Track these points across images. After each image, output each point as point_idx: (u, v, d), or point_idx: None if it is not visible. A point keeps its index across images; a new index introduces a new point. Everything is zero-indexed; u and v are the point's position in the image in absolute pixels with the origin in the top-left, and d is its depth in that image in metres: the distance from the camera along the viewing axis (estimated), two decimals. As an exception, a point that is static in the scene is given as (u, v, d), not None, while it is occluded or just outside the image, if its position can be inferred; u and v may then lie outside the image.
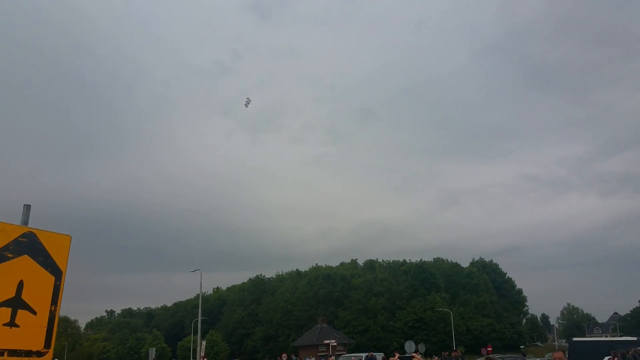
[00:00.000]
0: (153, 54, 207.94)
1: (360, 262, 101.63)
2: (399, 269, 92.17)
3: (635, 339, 28.51)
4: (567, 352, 27.49)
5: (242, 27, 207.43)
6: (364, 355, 34.71)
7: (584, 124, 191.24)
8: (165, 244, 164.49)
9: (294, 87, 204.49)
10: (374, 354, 34.86)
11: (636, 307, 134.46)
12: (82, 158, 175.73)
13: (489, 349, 59.66)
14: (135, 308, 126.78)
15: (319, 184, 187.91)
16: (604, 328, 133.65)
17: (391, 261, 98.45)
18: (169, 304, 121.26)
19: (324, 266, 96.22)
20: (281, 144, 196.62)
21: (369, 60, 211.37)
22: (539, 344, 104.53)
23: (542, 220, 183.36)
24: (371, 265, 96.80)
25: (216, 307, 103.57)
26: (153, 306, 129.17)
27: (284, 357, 45.36)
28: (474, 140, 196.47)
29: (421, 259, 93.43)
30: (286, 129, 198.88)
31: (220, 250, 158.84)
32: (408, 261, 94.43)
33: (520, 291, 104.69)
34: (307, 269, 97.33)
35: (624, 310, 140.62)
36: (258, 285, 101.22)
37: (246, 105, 46.78)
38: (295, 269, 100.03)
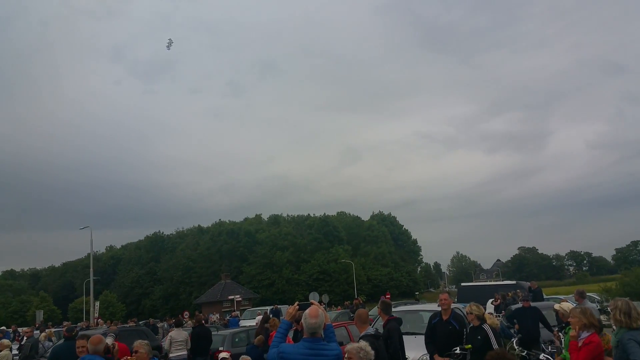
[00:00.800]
0: None
1: (265, 217, 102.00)
2: (303, 223, 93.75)
3: (514, 282, 31.64)
4: (456, 296, 29.88)
5: None
6: (268, 308, 35.16)
7: (471, 85, 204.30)
8: (52, 198, 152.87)
9: (191, 34, 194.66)
10: (279, 306, 35.39)
11: (515, 255, 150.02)
12: None
13: (387, 296, 63.36)
14: (18, 269, 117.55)
15: (220, 137, 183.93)
16: (489, 274, 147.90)
17: (296, 216, 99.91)
18: (57, 264, 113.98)
19: (228, 222, 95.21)
20: (178, 94, 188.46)
21: (269, 12, 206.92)
22: (432, 290, 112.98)
23: (435, 175, 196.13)
24: (276, 220, 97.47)
25: (110, 266, 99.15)
26: (39, 267, 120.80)
27: (186, 314, 44.64)
28: (374, 97, 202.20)
29: (325, 213, 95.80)
30: (183, 78, 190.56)
31: (113, 206, 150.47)
32: (312, 215, 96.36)
33: (415, 242, 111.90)
34: (210, 225, 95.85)
35: (505, 257, 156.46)
36: (156, 243, 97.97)
37: (168, 47, 43.65)
38: (197, 225, 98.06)
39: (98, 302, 55.91)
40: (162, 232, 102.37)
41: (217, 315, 50.02)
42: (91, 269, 45.16)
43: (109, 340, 8.30)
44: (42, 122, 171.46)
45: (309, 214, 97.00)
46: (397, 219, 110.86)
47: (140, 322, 40.83)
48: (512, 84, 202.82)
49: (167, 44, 43.01)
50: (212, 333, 15.22)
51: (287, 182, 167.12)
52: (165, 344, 13.79)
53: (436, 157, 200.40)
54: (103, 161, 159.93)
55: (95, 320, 40.69)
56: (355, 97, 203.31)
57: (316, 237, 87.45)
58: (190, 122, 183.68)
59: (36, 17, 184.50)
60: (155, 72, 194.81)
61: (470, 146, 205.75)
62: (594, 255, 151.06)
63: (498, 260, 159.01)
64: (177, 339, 13.23)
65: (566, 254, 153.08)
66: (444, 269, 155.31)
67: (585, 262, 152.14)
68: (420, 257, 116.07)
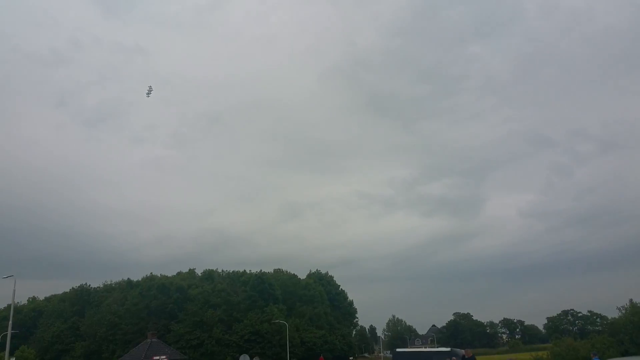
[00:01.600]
0: None
1: (199, 271, 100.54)
2: (238, 279, 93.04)
3: (448, 349, 33.01)
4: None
5: (85, 17, 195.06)
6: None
7: (411, 150, 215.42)
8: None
9: (139, 86, 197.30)
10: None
11: (450, 320, 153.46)
12: None
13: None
14: None
15: (160, 188, 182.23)
16: (424, 339, 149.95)
17: (231, 271, 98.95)
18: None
19: (159, 275, 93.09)
20: (120, 143, 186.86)
21: (219, 69, 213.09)
22: (366, 355, 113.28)
23: (373, 235, 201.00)
24: (210, 275, 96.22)
25: (31, 319, 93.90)
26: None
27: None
28: (317, 156, 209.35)
29: (261, 270, 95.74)
30: (127, 127, 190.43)
31: (40, 255, 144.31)
32: (248, 271, 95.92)
33: (351, 303, 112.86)
34: (140, 279, 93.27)
35: (440, 322, 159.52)
36: (82, 296, 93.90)
37: (148, 94, 44.72)
38: (126, 278, 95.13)
39: (14, 359, 53.19)
40: (89, 285, 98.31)
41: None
42: (10, 322, 43.23)
43: None
44: None
45: (244, 270, 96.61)
46: (334, 279, 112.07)
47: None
48: (450, 151, 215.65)
49: (147, 92, 44.16)
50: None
51: (225, 237, 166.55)
52: None
53: (375, 217, 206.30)
54: (34, 207, 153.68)
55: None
56: (299, 155, 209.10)
57: (251, 294, 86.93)
58: (131, 171, 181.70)
59: None
60: (99, 120, 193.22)
61: (409, 208, 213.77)
62: (526, 323, 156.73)
63: (433, 325, 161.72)
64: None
65: (500, 322, 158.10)
66: (379, 332, 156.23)
67: (518, 330, 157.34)
68: (356, 319, 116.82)
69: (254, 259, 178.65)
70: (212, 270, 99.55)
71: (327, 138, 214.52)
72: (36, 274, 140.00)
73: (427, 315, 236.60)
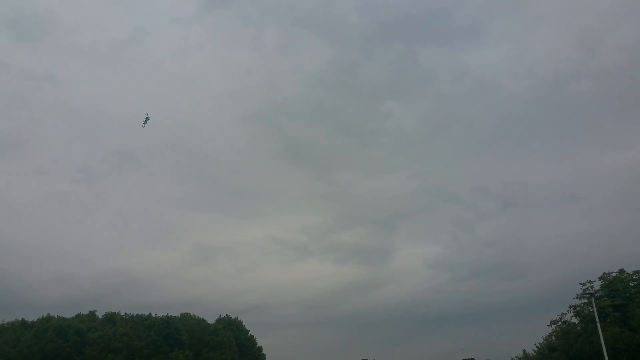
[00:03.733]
0: None
1: (100, 314, 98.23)
2: (142, 323, 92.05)
3: None
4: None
5: None
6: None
7: (325, 198, 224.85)
8: None
9: (46, 116, 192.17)
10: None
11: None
12: None
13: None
14: None
15: (63, 223, 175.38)
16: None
17: (135, 315, 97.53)
18: None
19: (57, 317, 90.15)
20: (22, 175, 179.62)
21: (135, 105, 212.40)
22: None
23: (286, 281, 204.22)
24: (112, 318, 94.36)
25: None
26: None
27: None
28: (232, 199, 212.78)
29: (167, 314, 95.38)
30: (30, 158, 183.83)
31: None
32: (154, 315, 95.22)
33: (260, 349, 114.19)
34: (36, 319, 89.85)
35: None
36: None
37: (144, 124, 44.97)
38: (20, 319, 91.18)
39: None
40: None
41: None
42: None
43: None
44: None
45: (150, 314, 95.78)
46: (243, 324, 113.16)
47: None
48: (364, 201, 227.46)
49: (143, 121, 44.44)
50: None
51: (130, 278, 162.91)
52: None
53: (288, 263, 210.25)
54: None
55: None
56: (213, 196, 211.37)
57: (155, 339, 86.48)
58: (31, 205, 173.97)
59: None
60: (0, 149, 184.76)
61: (321, 256, 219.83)
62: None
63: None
64: None
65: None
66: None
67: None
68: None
69: (160, 303, 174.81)
70: (115, 313, 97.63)
71: (244, 182, 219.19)
72: None
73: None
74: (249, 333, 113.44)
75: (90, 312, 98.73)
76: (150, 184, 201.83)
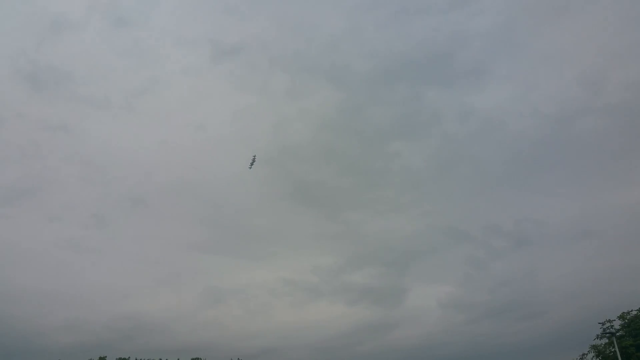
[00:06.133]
0: None
1: (111, 359, 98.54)
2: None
3: None
4: None
5: (10, 92, 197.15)
6: None
7: (335, 238, 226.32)
8: None
9: (60, 164, 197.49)
10: None
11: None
12: None
13: None
14: None
15: (74, 269, 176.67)
16: None
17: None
18: None
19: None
20: (36, 221, 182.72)
21: (146, 151, 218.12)
22: None
23: (297, 323, 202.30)
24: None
25: None
26: None
27: None
28: (241, 241, 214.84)
29: (178, 359, 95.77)
30: (44, 205, 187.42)
31: None
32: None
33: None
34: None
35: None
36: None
37: (250, 166, 47.40)
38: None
39: None
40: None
41: None
42: None
43: None
44: None
45: (160, 359, 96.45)
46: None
47: None
48: (374, 241, 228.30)
49: (250, 162, 45.98)
50: None
51: (141, 323, 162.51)
52: None
53: (300, 305, 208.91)
54: None
55: None
56: (224, 239, 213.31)
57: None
58: (44, 251, 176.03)
59: None
60: (16, 197, 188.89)
61: (333, 297, 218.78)
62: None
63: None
64: None
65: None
66: None
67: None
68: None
69: (172, 347, 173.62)
70: (125, 358, 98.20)
71: (253, 223, 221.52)
72: None
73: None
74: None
75: (100, 357, 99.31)
76: (161, 228, 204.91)
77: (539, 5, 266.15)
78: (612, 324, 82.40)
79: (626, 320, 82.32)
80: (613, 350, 73.42)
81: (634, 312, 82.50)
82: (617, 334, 78.48)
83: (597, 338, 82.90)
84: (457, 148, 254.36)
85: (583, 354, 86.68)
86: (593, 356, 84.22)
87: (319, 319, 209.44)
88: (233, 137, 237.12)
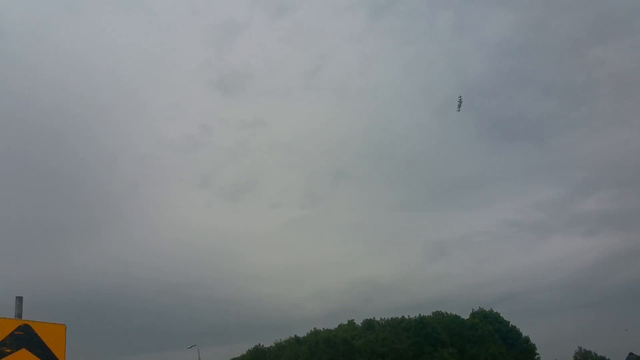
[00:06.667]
0: (124, 136, 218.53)
1: (358, 322, 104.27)
2: (398, 326, 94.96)
3: None
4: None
5: (209, 103, 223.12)
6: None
7: (551, 168, 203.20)
8: (158, 321, 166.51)
9: (266, 155, 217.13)
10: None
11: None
12: (65, 244, 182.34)
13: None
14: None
15: (303, 246, 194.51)
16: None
17: (390, 319, 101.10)
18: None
19: (323, 330, 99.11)
20: (261, 210, 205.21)
21: (336, 125, 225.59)
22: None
23: (530, 265, 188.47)
24: (370, 324, 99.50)
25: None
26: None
27: None
28: (451, 192, 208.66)
29: (420, 314, 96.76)
30: (264, 195, 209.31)
31: (216, 323, 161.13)
32: (407, 317, 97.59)
33: (527, 339, 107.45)
34: (306, 335, 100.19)
35: (638, 350, 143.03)
36: (258, 356, 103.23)
37: (459, 108, 54.55)
38: (293, 335, 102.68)
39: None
40: (262, 345, 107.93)
41: None
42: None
43: None
44: (135, 254, 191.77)
45: (403, 316, 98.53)
46: (500, 315, 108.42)
47: None
48: (597, 162, 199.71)
49: (458, 105, 52.88)
50: None
51: (376, 285, 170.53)
52: None
53: (529, 245, 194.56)
54: (199, 280, 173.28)
55: None
56: (432, 194, 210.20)
57: (416, 340, 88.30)
58: (274, 235, 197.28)
59: (134, 155, 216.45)
60: (239, 192, 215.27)
61: (566, 230, 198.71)
62: None
63: (631, 354, 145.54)
64: None
65: None
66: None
67: None
68: (537, 356, 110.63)
69: (409, 304, 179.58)
70: (372, 319, 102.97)
71: (457, 172, 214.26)
72: (215, 340, 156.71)
73: (618, 343, 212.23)
74: (510, 324, 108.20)
75: (349, 321, 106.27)
76: (367, 194, 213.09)
77: None
78: None
79: None
80: None
81: None
82: None
83: None
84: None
85: None
86: None
87: (554, 257, 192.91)
88: (410, 90, 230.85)
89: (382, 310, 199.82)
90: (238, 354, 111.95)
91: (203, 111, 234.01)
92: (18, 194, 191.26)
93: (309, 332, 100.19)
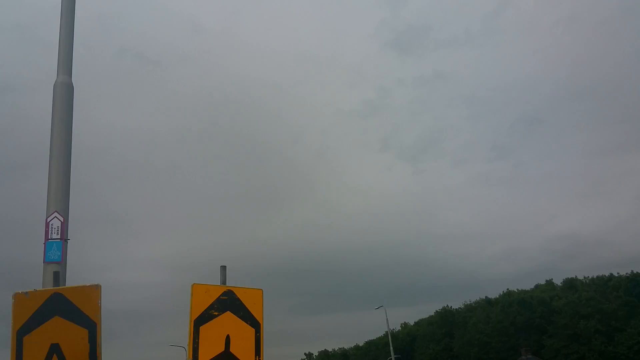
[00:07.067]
0: (310, 108, 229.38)
1: (557, 282, 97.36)
2: (606, 284, 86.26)
3: None
4: None
5: (385, 65, 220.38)
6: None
7: None
8: (347, 282, 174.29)
9: (447, 110, 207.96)
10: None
11: None
12: (266, 211, 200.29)
13: None
14: (330, 349, 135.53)
15: (490, 203, 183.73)
16: None
17: (595, 277, 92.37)
18: (361, 343, 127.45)
19: (516, 290, 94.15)
20: (444, 168, 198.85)
21: (521, 68, 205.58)
22: None
23: None
24: (572, 284, 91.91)
25: (407, 343, 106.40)
26: (346, 346, 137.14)
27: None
28: None
29: (632, 271, 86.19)
30: (447, 152, 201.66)
31: (404, 284, 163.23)
32: (616, 275, 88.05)
33: None
34: (497, 296, 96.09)
35: None
36: (447, 318, 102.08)
37: None
38: (484, 297, 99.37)
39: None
40: (451, 306, 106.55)
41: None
42: (391, 348, 51.87)
43: None
44: (326, 218, 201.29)
45: (611, 274, 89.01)
46: None
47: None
48: None
49: None
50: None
51: (576, 241, 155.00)
52: None
53: None
54: (384, 244, 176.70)
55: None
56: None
57: (628, 300, 79.10)
58: (460, 192, 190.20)
59: (318, 128, 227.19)
60: (420, 152, 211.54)
61: None
62: None
63: None
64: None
65: None
66: None
67: None
68: None
69: (618, 261, 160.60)
70: (573, 278, 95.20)
71: None
72: (403, 301, 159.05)
73: None
74: None
75: (546, 281, 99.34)
76: (562, 141, 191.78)
77: None
78: None
79: None
80: None
81: None
82: None
83: None
84: None
85: None
86: None
87: None
88: (608, 15, 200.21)
89: (585, 268, 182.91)
90: (425, 315, 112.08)
91: (380, 74, 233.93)
92: (225, 167, 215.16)
93: (501, 293, 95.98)
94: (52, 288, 4.45)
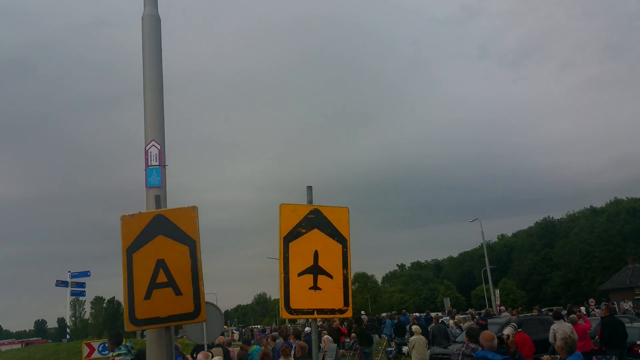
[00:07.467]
0: (399, 18, 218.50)
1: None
2: None
3: None
4: None
5: None
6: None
7: None
8: (445, 194, 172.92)
9: (555, 9, 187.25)
10: None
11: None
12: (355, 129, 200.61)
13: None
14: (423, 260, 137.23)
15: (601, 108, 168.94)
16: None
17: None
18: (455, 255, 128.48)
19: (625, 199, 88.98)
20: (549, 74, 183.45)
21: None
22: None
23: None
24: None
25: (504, 254, 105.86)
26: (440, 258, 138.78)
27: (591, 301, 45.96)
28: None
29: None
30: (552, 56, 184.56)
31: (502, 196, 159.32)
32: None
33: None
34: (604, 205, 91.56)
35: None
36: (547, 228, 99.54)
37: None
38: (588, 207, 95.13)
39: (498, 290, 62.62)
40: (552, 217, 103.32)
41: (630, 304, 48.89)
42: (486, 259, 51.54)
43: (508, 331, 8.87)
44: (422, 130, 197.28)
45: None
46: None
47: (543, 310, 44.57)
48: None
49: None
50: (626, 325, 14.60)
51: None
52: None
53: None
54: (483, 155, 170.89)
55: (498, 307, 46.30)
56: None
57: None
58: (567, 99, 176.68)
59: (409, 39, 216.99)
60: (522, 57, 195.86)
61: None
62: None
63: None
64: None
65: None
66: None
67: None
68: None
69: None
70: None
71: None
72: (501, 213, 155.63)
73: None
74: None
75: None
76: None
77: None
78: None
79: None
80: None
81: None
82: None
83: None
84: None
85: None
86: None
87: None
88: None
89: None
90: (525, 227, 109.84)
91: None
92: (317, 88, 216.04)
93: (608, 202, 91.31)
94: (154, 210, 4.89)
